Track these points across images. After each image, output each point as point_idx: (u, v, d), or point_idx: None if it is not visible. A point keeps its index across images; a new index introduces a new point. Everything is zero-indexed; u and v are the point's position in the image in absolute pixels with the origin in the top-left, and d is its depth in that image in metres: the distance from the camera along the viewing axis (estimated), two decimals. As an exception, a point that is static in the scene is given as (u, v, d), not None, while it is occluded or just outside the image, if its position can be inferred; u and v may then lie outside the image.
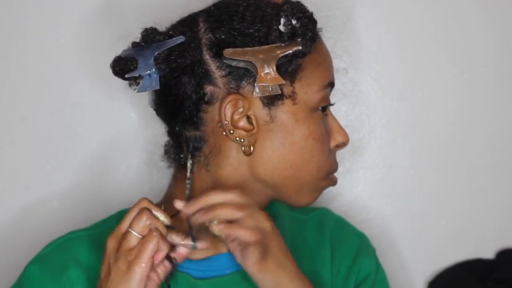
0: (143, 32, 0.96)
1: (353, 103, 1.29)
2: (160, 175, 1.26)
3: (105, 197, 1.26)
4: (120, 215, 0.99)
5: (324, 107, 0.96)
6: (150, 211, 0.87)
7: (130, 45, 0.96)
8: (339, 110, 1.26)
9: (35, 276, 0.96)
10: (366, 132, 1.30)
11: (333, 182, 1.01)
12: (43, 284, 0.96)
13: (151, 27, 0.95)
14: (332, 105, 0.99)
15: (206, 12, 0.96)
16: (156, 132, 1.26)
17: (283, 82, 0.91)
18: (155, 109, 1.01)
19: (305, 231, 1.07)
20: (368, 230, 1.15)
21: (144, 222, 0.86)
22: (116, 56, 0.96)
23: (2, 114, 1.25)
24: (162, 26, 0.97)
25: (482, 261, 1.30)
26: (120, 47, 1.25)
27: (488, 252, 1.31)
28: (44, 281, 0.96)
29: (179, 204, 0.88)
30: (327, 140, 0.98)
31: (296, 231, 1.06)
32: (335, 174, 1.02)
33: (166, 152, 1.02)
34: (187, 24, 0.96)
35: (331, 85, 0.97)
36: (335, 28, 1.26)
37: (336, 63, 1.26)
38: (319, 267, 1.03)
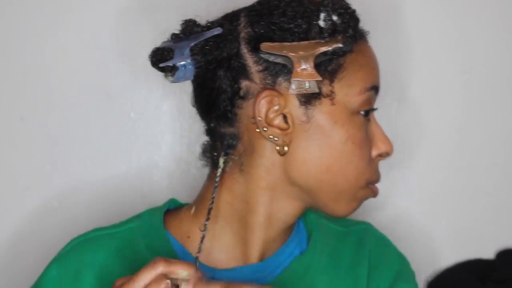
0: (182, 23, 0.94)
1: (353, 103, 1.29)
2: (160, 176, 1.26)
3: (105, 197, 1.26)
4: (148, 216, 0.98)
5: (366, 112, 0.92)
6: (168, 279, 0.79)
7: (170, 37, 0.95)
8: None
9: (52, 277, 0.94)
10: (366, 132, 1.30)
11: (374, 193, 0.96)
12: (60, 285, 0.94)
13: (190, 19, 0.94)
14: (375, 109, 0.95)
15: (249, 8, 0.93)
16: (156, 132, 1.26)
17: (320, 78, 0.87)
18: (194, 106, 0.98)
19: (344, 246, 1.02)
20: (368, 230, 1.15)
21: None
22: (155, 47, 0.94)
23: (2, 114, 1.25)
24: (201, 19, 0.96)
25: (482, 261, 1.30)
26: (120, 47, 1.25)
27: (488, 252, 1.31)
28: (60, 284, 0.94)
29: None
30: (368, 147, 0.93)
31: (334, 244, 1.01)
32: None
33: (203, 151, 0.98)
34: (228, 18, 0.93)
35: (374, 89, 0.93)
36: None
37: (336, 63, 1.27)
38: (354, 286, 0.99)
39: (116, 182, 1.27)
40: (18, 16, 1.24)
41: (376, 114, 1.29)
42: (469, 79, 1.31)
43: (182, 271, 0.80)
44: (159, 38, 1.24)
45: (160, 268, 0.79)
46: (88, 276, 0.93)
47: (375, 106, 0.95)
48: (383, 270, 1.01)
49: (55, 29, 1.24)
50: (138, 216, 0.99)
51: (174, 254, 0.94)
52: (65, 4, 1.25)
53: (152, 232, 0.96)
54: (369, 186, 0.94)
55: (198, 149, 1.26)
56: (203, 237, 0.90)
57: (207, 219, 0.91)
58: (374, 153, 0.94)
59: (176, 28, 0.96)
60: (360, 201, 0.95)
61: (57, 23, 1.25)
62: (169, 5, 1.23)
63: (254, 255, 0.95)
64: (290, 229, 0.98)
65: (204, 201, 0.95)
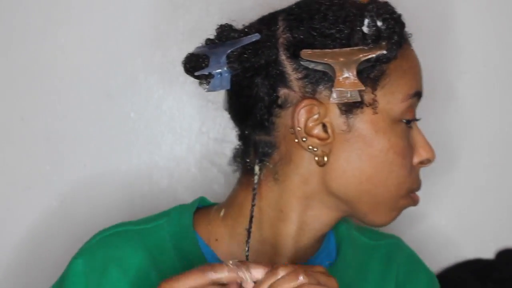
0: (217, 28, 0.89)
1: (353, 103, 1.29)
2: (160, 175, 1.26)
3: (105, 197, 1.26)
4: (176, 214, 0.95)
5: (408, 120, 0.88)
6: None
7: (204, 42, 0.90)
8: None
9: (78, 271, 0.90)
10: (366, 132, 1.30)
11: (414, 201, 0.93)
12: (86, 281, 0.90)
13: (226, 23, 0.89)
14: (418, 120, 0.91)
15: (287, 11, 0.89)
16: (156, 132, 1.26)
17: (363, 88, 0.83)
18: (228, 111, 0.94)
19: (372, 260, 0.99)
20: (368, 230, 1.15)
21: None
22: (189, 53, 0.90)
23: (2, 114, 1.25)
24: (238, 23, 0.91)
25: (482, 261, 1.30)
26: (120, 47, 1.25)
27: (488, 252, 1.31)
28: (87, 278, 0.90)
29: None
30: (410, 155, 0.89)
31: (361, 258, 0.98)
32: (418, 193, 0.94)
33: (235, 155, 0.94)
34: (265, 22, 0.89)
35: (418, 95, 0.89)
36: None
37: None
38: None
39: (116, 182, 1.27)
40: (18, 16, 1.24)
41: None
42: (469, 79, 1.31)
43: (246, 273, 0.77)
44: (159, 38, 1.25)
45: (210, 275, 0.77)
46: (116, 272, 0.90)
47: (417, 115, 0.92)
48: (410, 287, 0.99)
49: (55, 29, 1.24)
50: (167, 214, 0.95)
51: (202, 257, 0.91)
52: (65, 4, 1.24)
53: (181, 232, 0.93)
54: (409, 195, 0.91)
55: (198, 149, 1.27)
56: (248, 238, 0.88)
57: (249, 227, 0.88)
58: (416, 160, 0.91)
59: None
60: (400, 210, 0.92)
61: (57, 23, 1.25)
62: (169, 5, 1.23)
63: (283, 263, 0.90)
64: (321, 239, 0.95)
65: (234, 206, 0.92)
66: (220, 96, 1.27)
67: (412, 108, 0.89)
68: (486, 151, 1.33)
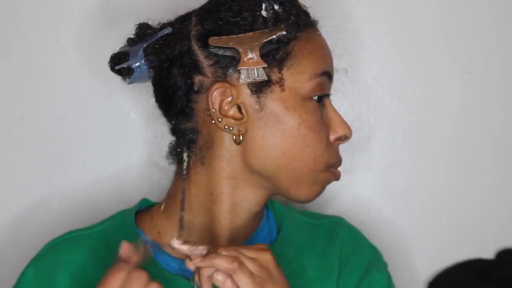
0: (136, 27, 0.98)
1: (353, 103, 1.29)
2: (160, 175, 1.27)
3: (105, 197, 1.26)
4: (121, 216, 1.02)
5: (319, 97, 0.95)
6: None
7: (126, 42, 0.99)
8: (339, 110, 1.25)
9: (29, 279, 0.97)
10: (366, 132, 1.30)
11: (336, 176, 0.98)
12: (37, 285, 0.96)
13: (143, 22, 0.98)
14: (328, 95, 0.97)
15: (200, 7, 0.97)
16: (156, 132, 1.26)
17: (265, 65, 0.91)
18: (157, 105, 1.02)
19: (315, 238, 1.05)
20: (368, 230, 1.15)
21: None
22: (112, 53, 0.98)
23: (2, 114, 1.26)
24: (154, 22, 0.99)
25: (482, 261, 1.30)
26: (120, 47, 1.25)
27: (488, 252, 1.31)
28: (37, 285, 0.97)
29: (175, 244, 0.86)
30: (324, 131, 0.95)
31: (304, 236, 1.04)
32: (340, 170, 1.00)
33: (170, 150, 1.01)
34: (180, 19, 0.97)
35: (326, 74, 0.96)
36: (335, 28, 1.26)
37: (336, 63, 1.25)
38: (325, 277, 1.01)
39: (116, 182, 1.27)
40: (18, 16, 1.24)
41: (376, 114, 1.30)
42: (469, 79, 1.31)
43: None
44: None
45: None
46: (63, 276, 0.96)
47: (330, 92, 0.98)
48: (355, 260, 1.04)
49: (55, 29, 1.24)
50: (111, 217, 1.03)
51: None
52: (65, 4, 1.25)
53: (124, 230, 0.99)
54: (330, 170, 0.97)
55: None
56: (181, 222, 0.94)
57: (182, 209, 0.94)
58: (332, 137, 0.96)
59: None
60: (322, 185, 0.97)
61: (57, 23, 1.25)
62: (169, 5, 1.23)
63: (221, 245, 0.95)
64: (257, 220, 1.01)
65: (173, 197, 0.98)
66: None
67: (321, 86, 0.95)
68: (486, 151, 1.33)
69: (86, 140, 1.26)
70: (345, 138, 0.98)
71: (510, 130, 1.33)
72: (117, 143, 1.27)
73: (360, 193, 1.31)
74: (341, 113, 1.25)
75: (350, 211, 1.29)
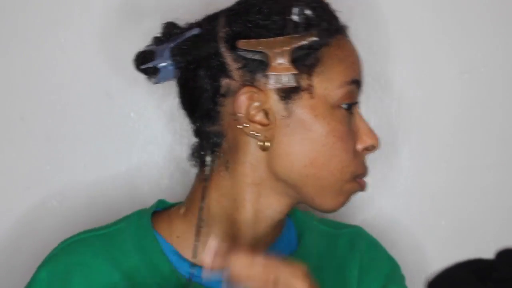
0: (162, 26, 0.96)
1: (353, 103, 1.29)
2: (160, 175, 1.27)
3: (105, 197, 1.26)
4: (136, 217, 0.99)
5: (348, 105, 0.92)
6: None
7: (152, 41, 0.96)
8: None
9: (42, 280, 0.95)
10: (366, 132, 1.30)
11: (361, 186, 0.96)
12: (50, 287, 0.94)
13: (170, 21, 0.96)
14: (357, 103, 0.95)
15: (228, 8, 0.95)
16: (156, 132, 1.26)
17: (295, 71, 0.89)
18: (181, 107, 0.99)
19: (335, 248, 1.03)
20: (368, 230, 1.15)
21: None
22: (138, 51, 0.96)
23: (2, 114, 1.26)
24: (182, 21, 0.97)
25: (482, 261, 1.30)
26: (120, 47, 1.25)
27: (488, 252, 1.31)
28: (50, 285, 0.94)
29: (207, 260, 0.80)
30: (352, 140, 0.93)
31: (325, 246, 1.02)
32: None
33: (192, 152, 0.98)
34: (208, 19, 0.95)
35: (355, 83, 0.93)
36: (335, 28, 1.26)
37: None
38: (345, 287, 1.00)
39: (116, 182, 1.27)
40: (18, 16, 1.24)
41: (376, 114, 1.30)
42: (469, 79, 1.31)
43: None
44: (159, 38, 1.24)
45: None
46: (77, 277, 0.94)
47: (359, 100, 0.96)
48: (373, 273, 1.02)
49: (55, 29, 1.24)
50: (126, 217, 1.00)
51: (163, 254, 0.95)
52: (65, 4, 1.25)
53: (140, 232, 0.96)
54: (355, 180, 0.95)
55: (198, 149, 1.27)
56: (197, 244, 0.92)
57: (199, 218, 0.93)
58: (360, 146, 0.94)
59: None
60: (347, 195, 0.95)
61: (57, 23, 1.25)
62: (169, 5, 1.23)
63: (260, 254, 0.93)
64: (279, 228, 0.99)
65: (194, 201, 0.95)
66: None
67: (350, 94, 0.92)
68: (486, 151, 1.33)
69: (86, 140, 1.26)
70: (372, 148, 0.96)
71: (510, 130, 1.33)
72: (117, 143, 1.27)
73: (360, 193, 1.31)
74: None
75: (351, 210, 1.29)
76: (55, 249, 0.98)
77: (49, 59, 1.25)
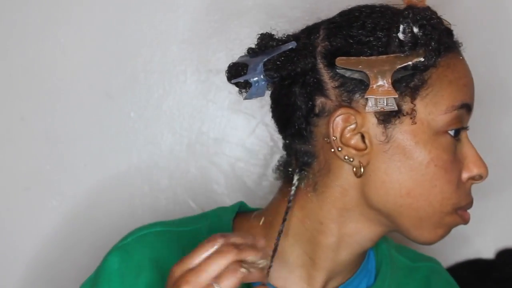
0: (258, 37, 0.89)
1: (353, 103, 1.29)
2: (160, 175, 1.26)
3: (105, 197, 1.26)
4: (217, 218, 0.94)
5: (456, 132, 0.85)
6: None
7: (246, 51, 0.90)
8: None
9: (114, 269, 0.89)
10: (366, 132, 1.30)
11: (464, 219, 0.89)
12: (121, 281, 0.89)
13: (266, 32, 0.89)
14: (466, 128, 0.88)
15: (329, 20, 0.88)
16: (156, 132, 1.26)
17: (396, 95, 0.81)
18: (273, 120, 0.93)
19: (410, 282, 0.98)
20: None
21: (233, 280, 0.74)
22: (231, 62, 0.90)
23: (2, 114, 1.25)
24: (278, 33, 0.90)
25: (482, 261, 1.30)
26: (120, 47, 1.25)
27: (488, 252, 1.31)
28: (122, 278, 0.89)
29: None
30: (457, 170, 0.86)
31: (400, 279, 0.96)
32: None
33: (279, 165, 0.92)
34: (307, 31, 0.88)
35: (465, 107, 0.86)
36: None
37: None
38: None
39: (116, 182, 1.27)
40: (18, 16, 1.24)
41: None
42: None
43: (252, 257, 0.76)
44: (159, 38, 1.25)
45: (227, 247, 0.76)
46: (152, 274, 0.89)
47: (467, 125, 0.89)
48: None
49: (55, 29, 1.24)
50: (205, 217, 0.95)
51: None
52: (65, 4, 1.25)
53: None
54: (457, 212, 0.88)
55: (198, 149, 1.27)
56: (273, 255, 0.86)
57: (277, 243, 0.86)
58: (465, 176, 0.87)
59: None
60: (447, 228, 0.88)
61: (57, 23, 1.25)
62: (169, 5, 1.24)
63: (320, 278, 0.90)
64: (360, 259, 0.93)
65: (274, 215, 0.90)
66: (220, 96, 1.27)
67: (458, 120, 0.85)
68: (486, 151, 1.33)
69: (86, 140, 1.26)
70: (479, 178, 0.88)
71: (510, 130, 1.33)
72: (117, 143, 1.27)
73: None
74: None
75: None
76: (128, 237, 0.92)
77: (49, 59, 1.25)
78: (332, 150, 0.84)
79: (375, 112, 0.83)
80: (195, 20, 1.23)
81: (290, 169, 0.89)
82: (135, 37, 1.24)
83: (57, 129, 1.26)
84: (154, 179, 1.27)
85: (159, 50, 1.25)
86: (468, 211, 0.87)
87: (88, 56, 1.25)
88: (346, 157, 0.83)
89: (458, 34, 0.88)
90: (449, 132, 0.85)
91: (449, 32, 0.87)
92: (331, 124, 0.83)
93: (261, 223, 0.91)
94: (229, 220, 0.92)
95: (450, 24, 0.87)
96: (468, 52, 0.89)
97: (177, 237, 0.92)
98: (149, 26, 1.23)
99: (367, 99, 0.82)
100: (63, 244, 1.21)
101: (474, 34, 0.89)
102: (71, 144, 1.26)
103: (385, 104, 0.82)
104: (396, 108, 0.82)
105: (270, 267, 0.84)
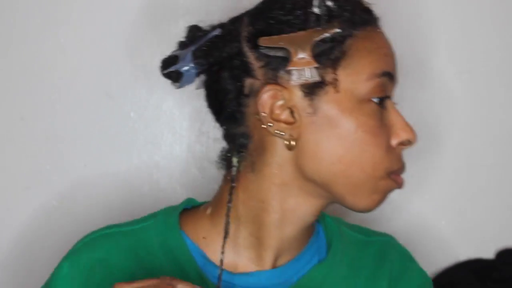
0: (186, 30, 0.94)
1: (353, 103, 1.29)
2: (160, 175, 1.27)
3: (105, 197, 1.26)
4: (164, 215, 0.96)
5: (380, 99, 0.88)
6: None
7: (177, 45, 0.94)
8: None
9: (64, 274, 0.93)
10: (366, 132, 1.30)
11: (398, 183, 0.91)
12: (71, 284, 0.92)
13: (194, 24, 0.93)
14: (388, 97, 0.90)
15: (253, 8, 0.93)
16: (156, 132, 1.26)
17: (316, 64, 0.85)
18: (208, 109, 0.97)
19: (364, 257, 0.99)
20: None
21: None
22: (163, 57, 0.94)
23: (2, 114, 1.26)
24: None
25: (482, 261, 1.30)
26: (120, 47, 1.25)
27: (488, 252, 1.31)
28: (72, 281, 0.92)
29: None
30: (385, 135, 0.88)
31: (353, 254, 0.99)
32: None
33: (220, 154, 0.95)
34: (232, 20, 0.93)
35: (387, 75, 0.89)
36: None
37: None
38: None
39: (116, 182, 1.27)
40: (18, 16, 1.24)
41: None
42: (469, 79, 1.31)
43: None
44: (158, 38, 1.25)
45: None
46: (100, 274, 0.92)
47: (392, 94, 0.92)
48: (404, 285, 0.99)
49: (55, 29, 1.24)
50: (153, 215, 0.97)
51: (189, 255, 0.93)
52: (65, 4, 1.25)
53: (166, 231, 0.94)
54: (391, 177, 0.90)
55: (198, 149, 1.27)
56: (224, 246, 0.90)
57: (227, 221, 0.90)
58: (394, 141, 0.89)
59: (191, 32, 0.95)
60: (382, 194, 0.90)
61: (57, 23, 1.25)
62: (169, 5, 1.24)
63: (269, 257, 0.93)
64: (307, 234, 0.96)
65: (220, 202, 0.93)
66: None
67: (381, 88, 0.88)
68: (486, 151, 1.34)
69: (86, 140, 1.26)
70: (408, 143, 0.90)
71: (510, 130, 1.33)
72: (117, 143, 1.27)
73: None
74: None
75: (350, 211, 1.29)
76: (78, 243, 0.95)
77: (49, 59, 1.25)
78: (264, 126, 0.87)
79: (300, 85, 0.86)
80: (195, 20, 1.23)
81: (229, 155, 0.92)
82: (135, 37, 1.24)
83: (57, 129, 1.26)
84: (154, 179, 1.27)
85: (159, 50, 1.24)
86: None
87: (88, 56, 1.25)
88: (277, 132, 0.87)
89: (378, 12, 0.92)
90: (373, 100, 0.88)
91: (365, 7, 0.91)
92: (260, 101, 0.87)
93: (208, 212, 0.94)
94: (175, 216, 0.95)
95: (367, 2, 0.92)
96: (388, 32, 0.93)
97: (124, 236, 0.94)
98: (149, 26, 1.23)
99: (291, 73, 0.86)
100: (64, 244, 1.21)
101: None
102: (71, 144, 1.26)
103: (308, 76, 0.86)
104: (319, 79, 0.86)
105: (222, 252, 0.89)
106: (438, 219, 1.33)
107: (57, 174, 1.26)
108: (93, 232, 0.96)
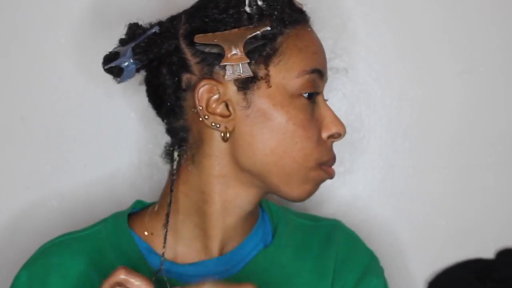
0: (126, 27, 0.98)
1: (353, 103, 1.29)
2: (160, 175, 1.26)
3: (105, 197, 1.26)
4: (114, 218, 1.01)
5: (310, 95, 0.94)
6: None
7: (118, 42, 0.99)
8: (339, 110, 1.26)
9: (23, 283, 0.97)
10: (366, 132, 1.30)
11: (329, 174, 0.97)
12: None
13: (134, 22, 0.98)
14: (318, 93, 0.96)
15: (190, 6, 0.98)
16: (156, 132, 1.26)
17: (247, 60, 0.90)
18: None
19: (311, 240, 1.04)
20: (368, 230, 1.15)
21: None
22: (105, 54, 0.98)
23: (2, 114, 1.26)
24: (145, 22, 0.99)
25: (482, 261, 1.30)
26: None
27: (488, 252, 1.31)
28: (30, 286, 0.96)
29: None
30: (315, 128, 0.94)
31: (300, 238, 1.03)
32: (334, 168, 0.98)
33: (165, 150, 1.01)
34: (170, 18, 0.98)
35: (317, 72, 0.94)
36: (335, 28, 1.26)
37: (336, 63, 1.26)
38: (319, 280, 1.01)
39: (116, 182, 1.27)
40: (18, 16, 1.24)
41: (376, 114, 1.30)
42: (469, 79, 1.31)
43: (140, 283, 0.82)
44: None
45: (120, 274, 0.82)
46: (55, 277, 0.96)
47: (324, 91, 0.97)
48: (351, 264, 1.03)
49: (55, 29, 1.24)
50: (104, 220, 1.02)
51: (139, 252, 0.97)
52: (65, 4, 1.25)
53: (116, 232, 0.99)
54: (322, 168, 0.95)
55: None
56: (165, 234, 0.94)
57: (167, 214, 0.95)
58: (325, 135, 0.95)
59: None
60: (314, 184, 0.96)
61: (57, 23, 1.25)
62: (169, 5, 1.23)
63: (215, 247, 0.97)
64: (251, 221, 1.00)
65: (165, 197, 0.97)
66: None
67: (311, 84, 0.94)
68: (486, 151, 1.33)
69: (86, 140, 1.26)
70: (338, 135, 0.97)
71: (510, 130, 1.33)
72: (117, 143, 1.27)
73: (360, 192, 1.31)
74: (341, 113, 1.26)
75: (350, 211, 1.30)
76: (35, 252, 1.00)
77: (49, 59, 1.25)
78: (200, 119, 0.92)
79: (234, 80, 0.92)
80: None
81: (172, 149, 0.97)
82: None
83: (57, 129, 1.26)
84: (155, 179, 1.27)
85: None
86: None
87: (88, 56, 1.25)
88: (213, 124, 0.92)
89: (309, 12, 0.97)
90: (304, 95, 0.93)
91: (297, 8, 0.96)
92: (196, 95, 0.92)
93: (155, 209, 0.99)
94: (124, 217, 1.00)
95: (299, 3, 0.97)
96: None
97: (77, 241, 0.99)
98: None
99: (225, 69, 0.91)
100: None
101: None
102: (71, 144, 1.26)
103: (241, 72, 0.91)
104: (251, 74, 0.91)
105: (164, 242, 0.94)
106: (438, 219, 1.33)
107: (57, 174, 1.26)
108: (48, 242, 1.01)
